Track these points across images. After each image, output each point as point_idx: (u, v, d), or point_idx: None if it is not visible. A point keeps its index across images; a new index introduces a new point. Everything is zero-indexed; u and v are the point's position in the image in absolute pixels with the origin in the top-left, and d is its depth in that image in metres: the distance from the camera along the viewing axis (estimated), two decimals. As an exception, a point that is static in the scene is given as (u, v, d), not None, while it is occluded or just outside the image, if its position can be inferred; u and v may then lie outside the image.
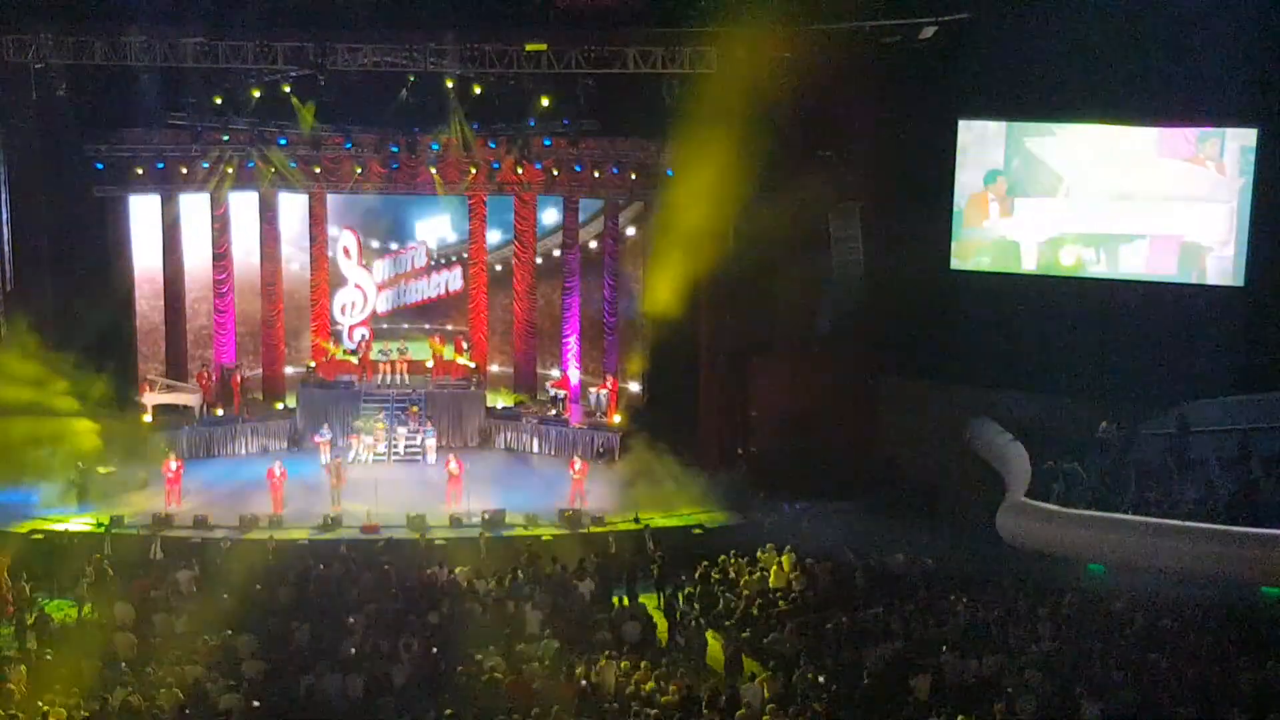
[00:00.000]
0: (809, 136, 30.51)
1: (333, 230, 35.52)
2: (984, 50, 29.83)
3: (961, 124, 31.83)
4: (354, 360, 34.71)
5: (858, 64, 29.63)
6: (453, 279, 36.02)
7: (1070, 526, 25.25)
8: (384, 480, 29.76)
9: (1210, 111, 29.65)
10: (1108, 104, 30.24)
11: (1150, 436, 28.71)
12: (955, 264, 32.54)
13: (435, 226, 36.66)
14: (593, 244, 36.01)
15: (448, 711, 16.67)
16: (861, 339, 31.23)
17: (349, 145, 33.05)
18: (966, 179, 32.11)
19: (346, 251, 35.49)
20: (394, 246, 36.42)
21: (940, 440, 31.27)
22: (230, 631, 20.21)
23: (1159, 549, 23.96)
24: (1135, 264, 31.36)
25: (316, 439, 31.72)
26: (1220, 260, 30.32)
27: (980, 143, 31.98)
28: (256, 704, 17.22)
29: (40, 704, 17.23)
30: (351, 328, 35.66)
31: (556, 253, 36.07)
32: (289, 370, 35.67)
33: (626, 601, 23.55)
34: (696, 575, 24.22)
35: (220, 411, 33.49)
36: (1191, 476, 26.32)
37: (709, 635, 21.40)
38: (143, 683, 18.03)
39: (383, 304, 36.16)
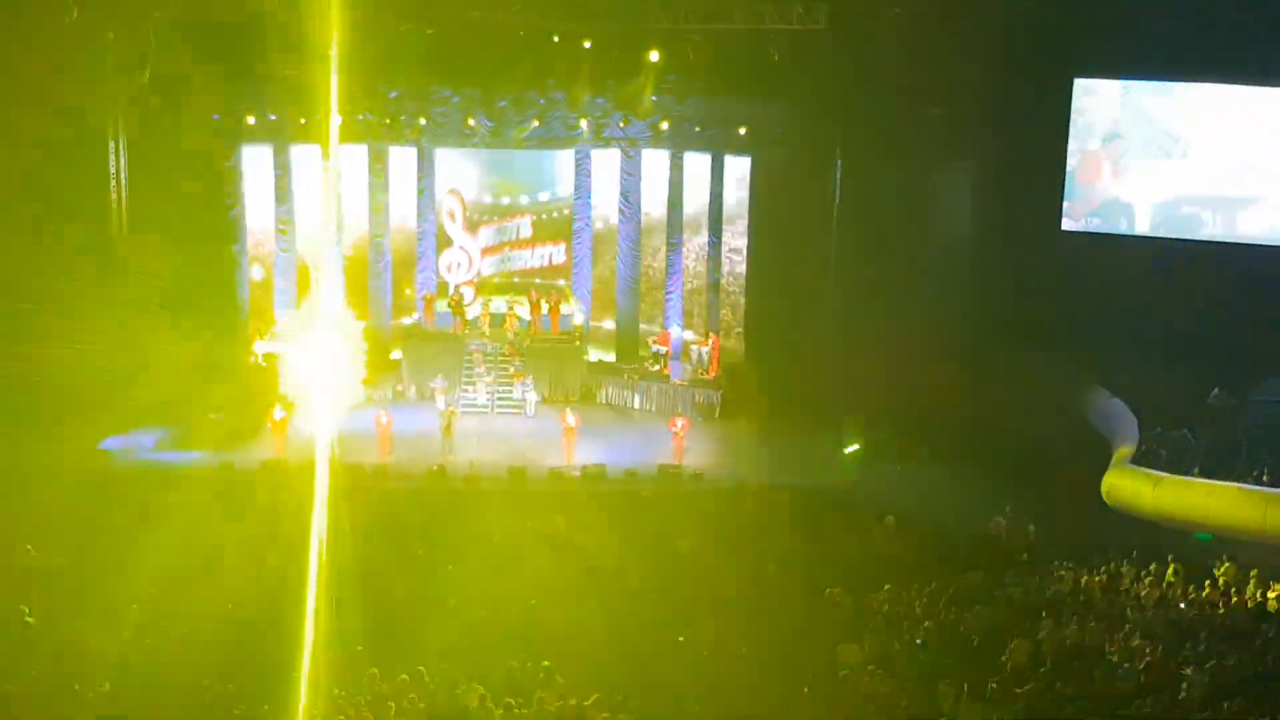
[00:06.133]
0: (919, 94, 30.14)
1: (439, 193, 35.77)
2: (1100, 7, 29.26)
3: (1076, 82, 31.29)
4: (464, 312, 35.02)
5: (970, 19, 29.20)
6: (557, 253, 36.04)
7: (1178, 493, 24.89)
8: (486, 433, 30.02)
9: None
10: (1226, 63, 29.56)
11: (1263, 404, 28.14)
12: (1066, 225, 32.07)
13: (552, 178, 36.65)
14: (698, 200, 35.88)
15: (545, 663, 16.84)
16: (969, 300, 30.88)
17: (457, 99, 33.27)
18: (1080, 138, 31.61)
19: (452, 215, 35.61)
20: (505, 201, 36.52)
21: (1047, 404, 30.88)
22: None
23: (1268, 517, 23.55)
24: (1252, 228, 30.74)
25: (433, 385, 31.90)
26: (1342, 225, 29.67)
27: (1095, 101, 31.44)
28: (360, 649, 17.52)
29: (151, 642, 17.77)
30: (457, 286, 35.91)
31: (661, 209, 35.96)
32: (395, 322, 36.09)
33: (726, 559, 23.56)
34: (795, 534, 24.19)
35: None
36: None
37: (806, 594, 21.35)
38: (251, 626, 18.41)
39: (487, 268, 36.29)
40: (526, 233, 35.82)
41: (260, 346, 33.13)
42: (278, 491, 26.08)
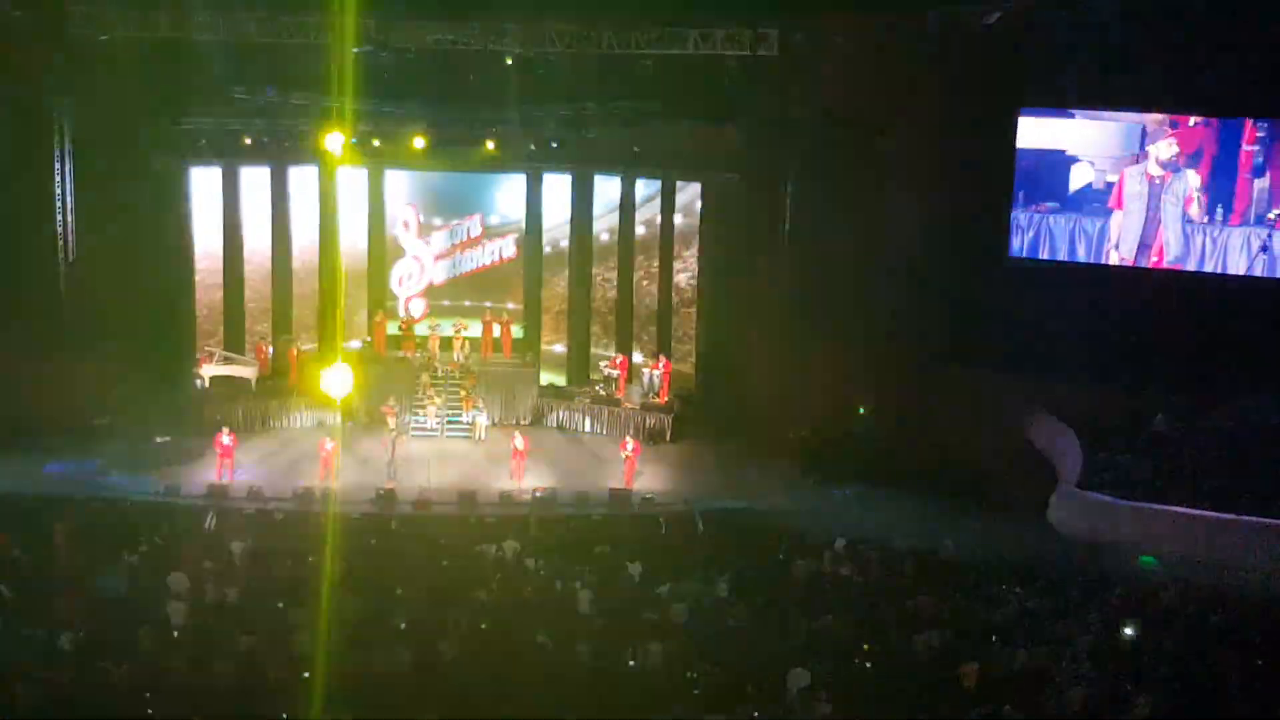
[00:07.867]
0: (869, 121, 30.41)
1: (390, 213, 35.66)
2: (1047, 40, 29.67)
3: (1022, 112, 31.68)
4: (419, 335, 34.89)
5: (918, 52, 29.52)
6: (506, 245, 35.83)
7: (1123, 517, 25.11)
8: (436, 456, 29.90)
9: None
10: (1167, 95, 30.11)
11: (1207, 430, 28.44)
12: (1014, 251, 32.43)
13: (502, 201, 36.43)
14: (648, 225, 35.93)
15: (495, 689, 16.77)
16: (916, 325, 31.09)
17: (408, 122, 33.22)
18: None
19: (406, 225, 35.58)
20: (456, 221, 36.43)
21: (993, 428, 31.10)
22: (282, 604, 20.38)
23: (1212, 542, 23.80)
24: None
25: (384, 408, 31.62)
26: (1284, 252, 30.12)
27: (1039, 132, 31.88)
28: (306, 675, 17.37)
29: (98, 669, 17.52)
30: (408, 299, 35.78)
31: (607, 235, 35.99)
32: (346, 345, 35.81)
33: (675, 583, 23.54)
34: (746, 559, 24.21)
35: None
36: (1248, 470, 26.06)
37: (756, 619, 21.37)
38: (196, 652, 18.23)
39: (439, 274, 36.16)
40: (477, 231, 35.72)
41: (206, 370, 32.97)
42: (222, 516, 25.97)
